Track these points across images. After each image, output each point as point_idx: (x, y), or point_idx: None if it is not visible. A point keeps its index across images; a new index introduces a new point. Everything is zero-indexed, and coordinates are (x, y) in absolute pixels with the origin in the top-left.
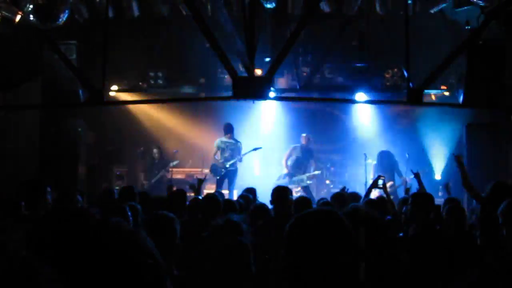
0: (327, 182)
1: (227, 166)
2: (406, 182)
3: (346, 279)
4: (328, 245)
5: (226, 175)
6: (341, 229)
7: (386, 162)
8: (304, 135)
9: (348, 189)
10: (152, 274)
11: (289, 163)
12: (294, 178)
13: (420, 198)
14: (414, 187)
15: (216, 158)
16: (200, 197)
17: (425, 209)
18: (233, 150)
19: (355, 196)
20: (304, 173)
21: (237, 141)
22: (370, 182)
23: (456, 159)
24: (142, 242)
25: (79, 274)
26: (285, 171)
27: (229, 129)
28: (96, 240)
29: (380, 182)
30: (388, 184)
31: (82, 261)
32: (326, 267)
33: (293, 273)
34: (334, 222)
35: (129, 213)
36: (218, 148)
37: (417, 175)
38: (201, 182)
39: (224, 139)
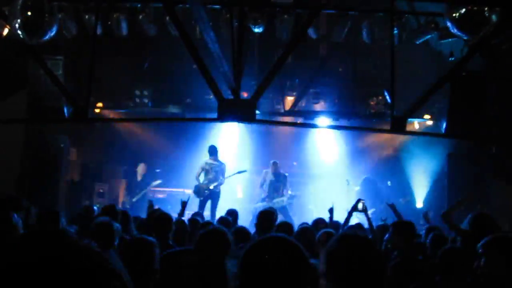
0: (310, 207)
1: (211, 187)
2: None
3: None
4: (280, 271)
5: (209, 196)
6: (293, 256)
7: (369, 189)
8: (271, 162)
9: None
10: None
11: (264, 187)
12: (274, 200)
13: (400, 227)
14: (390, 218)
15: (199, 179)
16: (184, 219)
17: (406, 237)
18: (217, 172)
19: (336, 225)
20: (282, 195)
21: (221, 163)
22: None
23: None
24: (109, 265)
25: None
26: (264, 194)
27: (213, 151)
28: (64, 262)
29: (360, 205)
30: (370, 211)
31: (49, 283)
32: None
33: None
34: (287, 249)
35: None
36: (202, 169)
37: (392, 206)
38: (184, 204)
39: (209, 160)
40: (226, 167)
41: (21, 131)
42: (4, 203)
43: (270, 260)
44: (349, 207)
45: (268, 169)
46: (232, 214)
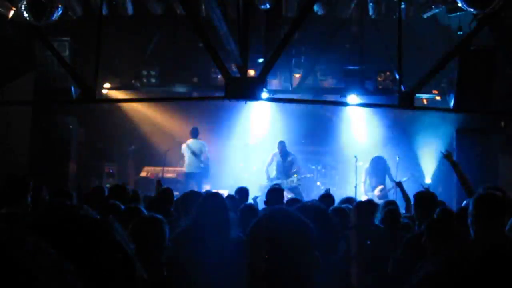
0: (318, 183)
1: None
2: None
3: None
4: (283, 244)
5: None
6: (297, 228)
7: (379, 167)
8: (278, 142)
9: (328, 190)
10: (122, 265)
11: (273, 168)
12: (278, 181)
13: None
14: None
15: (202, 159)
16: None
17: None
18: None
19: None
20: (286, 177)
21: (200, 144)
22: (360, 184)
23: (446, 158)
24: (113, 234)
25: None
26: (271, 175)
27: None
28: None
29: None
30: (379, 188)
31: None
32: (282, 266)
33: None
34: (291, 222)
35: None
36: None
37: (399, 185)
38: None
39: (190, 142)
40: (207, 146)
41: (29, 113)
42: (15, 184)
43: (275, 232)
44: (358, 184)
45: (276, 150)
46: (241, 191)
